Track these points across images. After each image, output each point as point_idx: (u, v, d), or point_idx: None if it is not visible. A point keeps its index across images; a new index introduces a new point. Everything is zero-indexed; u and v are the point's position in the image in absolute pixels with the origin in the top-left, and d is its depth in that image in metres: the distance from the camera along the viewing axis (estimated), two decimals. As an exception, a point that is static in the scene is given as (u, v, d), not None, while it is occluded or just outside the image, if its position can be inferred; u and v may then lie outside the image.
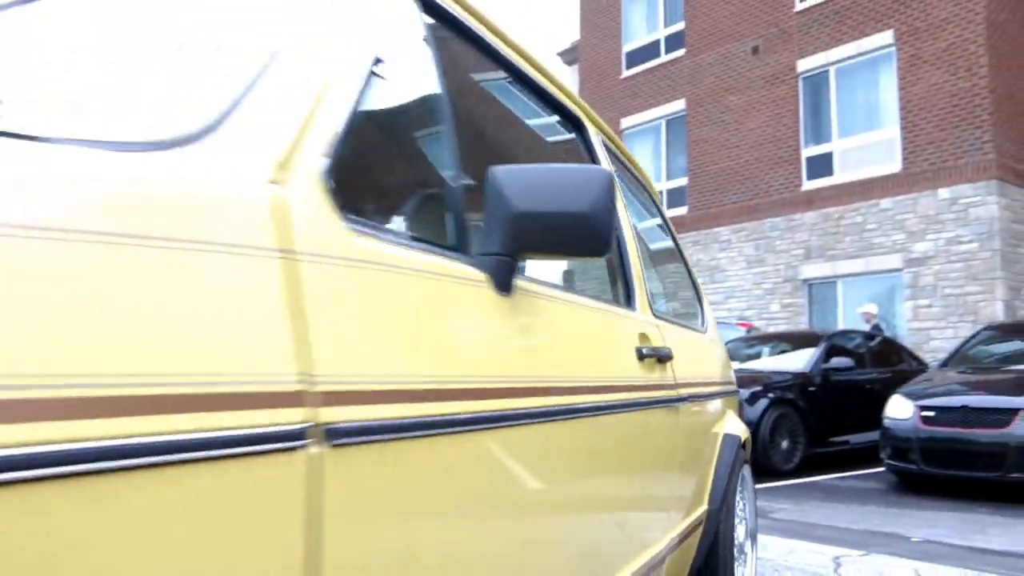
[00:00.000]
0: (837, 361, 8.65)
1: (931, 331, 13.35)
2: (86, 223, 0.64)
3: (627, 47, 19.52)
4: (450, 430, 1.05)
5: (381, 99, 1.21)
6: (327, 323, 0.86)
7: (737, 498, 2.88)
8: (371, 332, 0.95)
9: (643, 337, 2.01)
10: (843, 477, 7.72)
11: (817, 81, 15.58)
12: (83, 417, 0.60)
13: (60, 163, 0.66)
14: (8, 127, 0.67)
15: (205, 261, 0.73)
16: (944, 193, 13.47)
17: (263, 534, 0.75)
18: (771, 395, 7.81)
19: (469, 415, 1.10)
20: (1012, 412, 6.27)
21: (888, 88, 14.46)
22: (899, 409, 7.00)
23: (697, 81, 17.63)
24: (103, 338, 0.63)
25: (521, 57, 1.77)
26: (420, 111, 1.41)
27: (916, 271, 13.75)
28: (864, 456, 8.36)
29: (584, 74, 20.41)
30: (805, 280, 15.54)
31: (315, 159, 0.92)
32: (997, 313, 12.60)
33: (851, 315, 14.08)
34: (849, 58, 15.04)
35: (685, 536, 2.26)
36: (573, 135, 2.16)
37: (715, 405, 2.81)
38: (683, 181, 17.76)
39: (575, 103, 2.13)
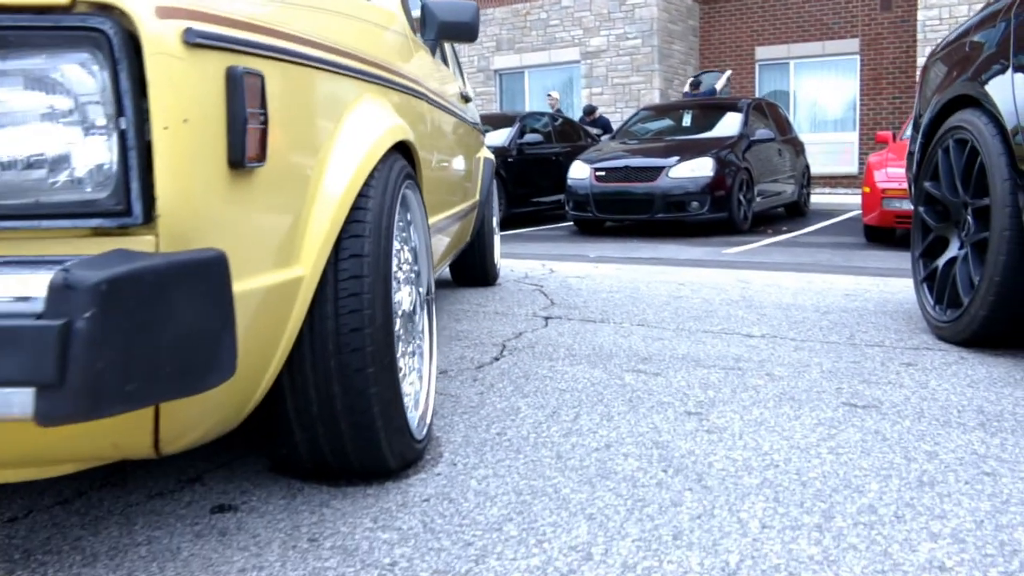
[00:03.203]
0: (529, 137, 10.34)
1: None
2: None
3: None
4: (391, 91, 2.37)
5: None
6: None
7: (493, 198, 4.40)
8: None
9: (461, 94, 3.37)
10: (538, 230, 9.63)
11: None
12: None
13: None
14: None
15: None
16: (614, -7, 15.41)
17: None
18: (480, 165, 9.33)
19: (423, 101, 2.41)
20: (659, 170, 8.33)
21: None
22: (579, 171, 8.88)
23: None
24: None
25: None
26: None
27: (591, 63, 15.77)
28: (553, 216, 10.38)
29: None
30: (496, 70, 17.12)
31: None
32: (655, 99, 15.00)
33: (537, 101, 16.00)
34: None
35: (472, 209, 3.70)
36: None
37: (481, 137, 4.27)
38: (383, -27, 18.26)
39: None
